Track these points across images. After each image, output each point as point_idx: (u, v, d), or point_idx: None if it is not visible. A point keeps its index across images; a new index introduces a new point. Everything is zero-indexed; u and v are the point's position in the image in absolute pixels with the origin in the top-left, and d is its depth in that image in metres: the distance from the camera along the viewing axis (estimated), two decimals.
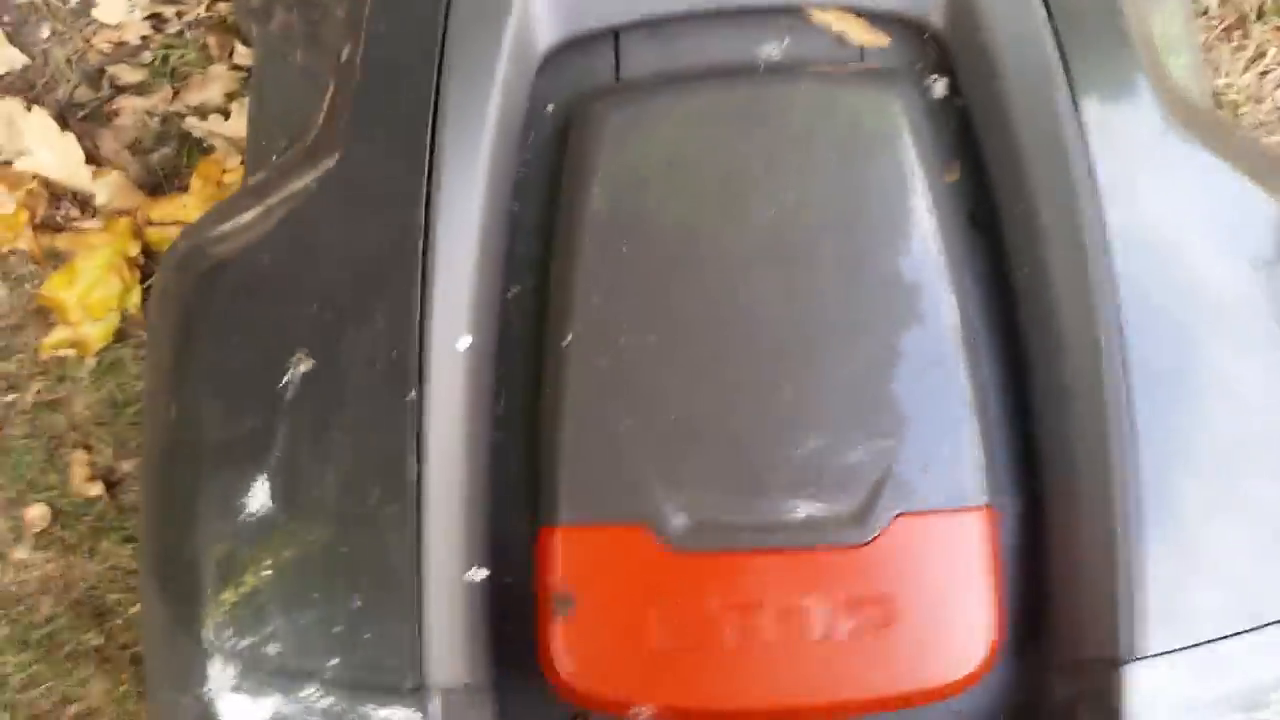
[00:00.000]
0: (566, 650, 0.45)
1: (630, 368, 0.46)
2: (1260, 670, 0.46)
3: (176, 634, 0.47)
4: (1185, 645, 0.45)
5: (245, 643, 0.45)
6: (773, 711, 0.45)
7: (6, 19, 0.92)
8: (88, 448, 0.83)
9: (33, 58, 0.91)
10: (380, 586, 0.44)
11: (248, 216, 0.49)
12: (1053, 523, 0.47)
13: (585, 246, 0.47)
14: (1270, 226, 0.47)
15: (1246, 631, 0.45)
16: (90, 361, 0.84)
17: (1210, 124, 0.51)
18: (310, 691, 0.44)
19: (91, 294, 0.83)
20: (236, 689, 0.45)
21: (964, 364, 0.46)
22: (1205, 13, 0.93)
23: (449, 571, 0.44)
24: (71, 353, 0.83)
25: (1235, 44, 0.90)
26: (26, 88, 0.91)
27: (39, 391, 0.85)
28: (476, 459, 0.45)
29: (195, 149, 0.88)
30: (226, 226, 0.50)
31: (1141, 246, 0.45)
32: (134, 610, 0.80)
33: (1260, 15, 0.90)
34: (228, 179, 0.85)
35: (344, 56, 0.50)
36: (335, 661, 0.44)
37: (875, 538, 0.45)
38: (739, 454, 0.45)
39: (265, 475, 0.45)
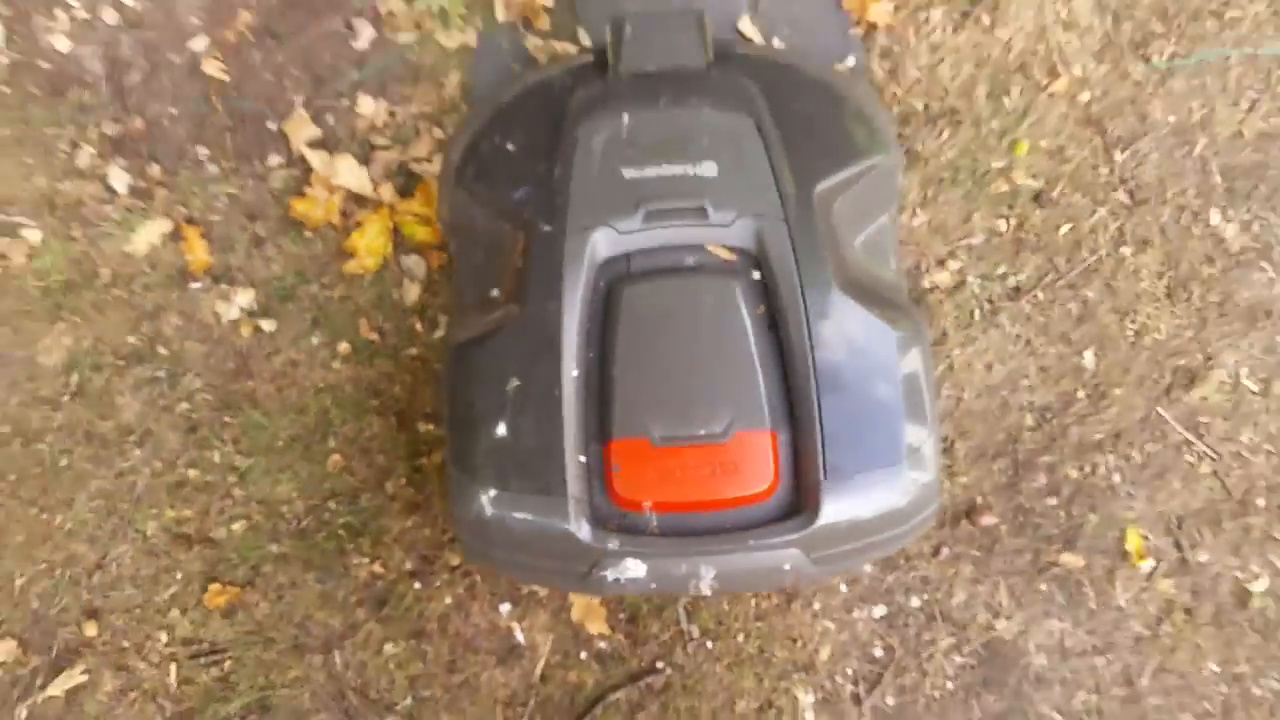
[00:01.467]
0: (619, 484, 1.16)
1: (639, 370, 1.17)
2: (879, 488, 1.16)
3: (464, 479, 1.19)
4: (846, 477, 1.14)
5: (492, 482, 1.17)
6: (692, 503, 1.16)
7: (310, 111, 1.79)
8: (368, 318, 1.67)
9: (324, 130, 1.78)
10: (552, 458, 1.15)
11: (482, 328, 1.24)
12: (795, 434, 1.15)
13: (621, 331, 1.18)
14: (878, 335, 1.18)
15: (871, 470, 1.15)
16: (368, 278, 1.69)
17: (875, 293, 1.23)
18: (520, 499, 1.16)
19: (371, 243, 1.67)
20: (494, 501, 1.17)
21: (761, 376, 1.16)
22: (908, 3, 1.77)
23: (573, 455, 1.15)
24: (360, 272, 1.68)
25: (916, 27, 1.74)
26: (323, 144, 1.77)
27: (341, 290, 1.69)
28: (583, 413, 1.17)
29: (414, 176, 1.74)
30: (473, 332, 1.25)
31: (825, 339, 1.15)
32: (394, 389, 1.63)
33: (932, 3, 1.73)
34: (431, 190, 1.72)
35: (522, 268, 1.23)
36: (534, 489, 1.15)
37: (729, 441, 1.14)
38: (679, 411, 1.15)
39: (499, 427, 1.18)
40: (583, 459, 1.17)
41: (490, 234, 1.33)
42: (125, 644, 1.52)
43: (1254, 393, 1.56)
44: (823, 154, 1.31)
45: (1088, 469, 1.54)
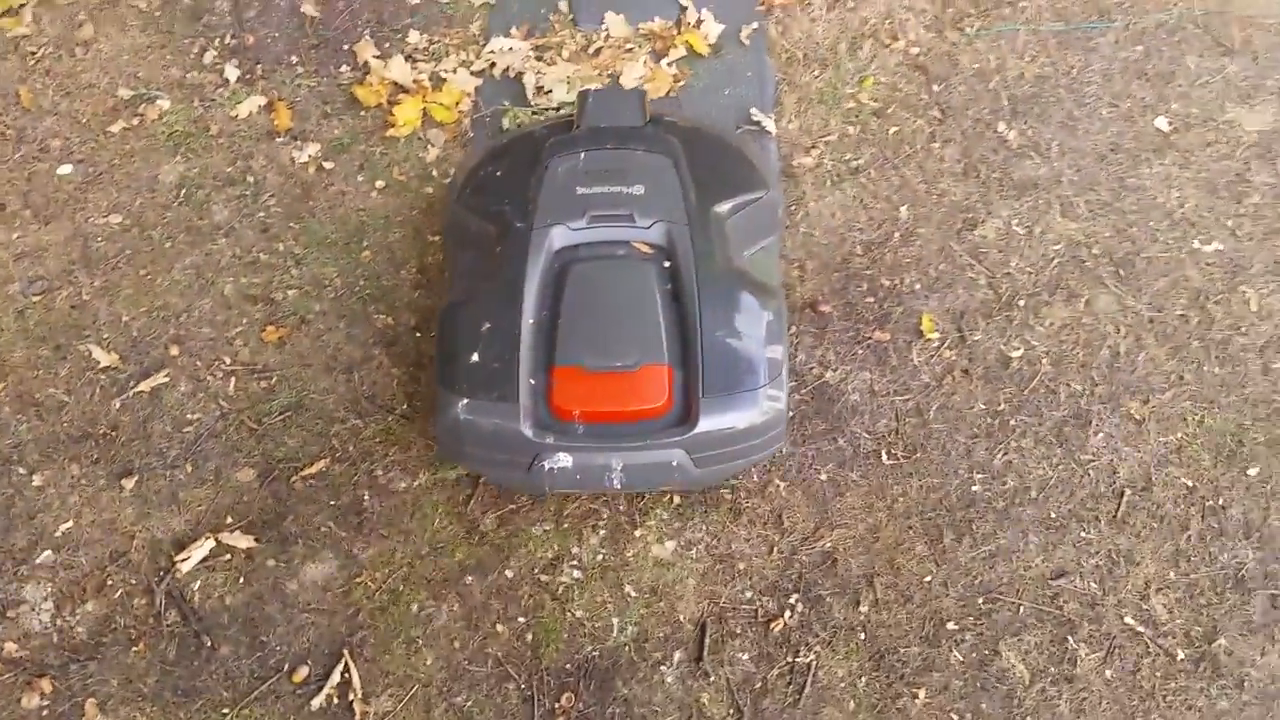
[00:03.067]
0: (557, 398, 1.63)
1: (577, 321, 1.65)
2: (743, 408, 1.65)
3: (446, 391, 1.67)
4: (719, 394, 1.63)
5: (466, 394, 1.64)
6: (609, 413, 1.64)
7: (373, 39, 2.51)
8: (399, 167, 2.33)
9: (382, 51, 2.50)
10: (510, 377, 1.63)
11: (466, 291, 1.78)
12: (685, 370, 1.64)
13: (566, 295, 1.67)
14: (750, 309, 1.67)
15: (737, 393, 1.64)
16: (402, 141, 2.35)
17: (752, 282, 1.73)
18: (485, 406, 1.63)
19: (407, 116, 2.36)
20: (465, 408, 1.64)
21: (663, 329, 1.65)
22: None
23: (526, 377, 1.63)
24: (397, 136, 2.36)
25: (803, 6, 2.50)
26: (380, 57, 2.48)
27: (382, 149, 2.37)
28: (534, 348, 1.66)
29: (441, 79, 2.45)
30: (460, 295, 1.78)
31: (710, 307, 1.66)
32: (413, 213, 2.28)
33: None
34: (453, 88, 2.41)
35: (499, 251, 1.74)
36: (495, 399, 1.62)
37: (637, 370, 1.63)
38: (604, 349, 1.63)
39: (474, 356, 1.66)
40: (532, 381, 1.63)
41: (479, 235, 1.82)
42: (199, 363, 2.11)
43: (1020, 235, 2.20)
44: (719, 186, 1.83)
45: (897, 281, 2.16)
